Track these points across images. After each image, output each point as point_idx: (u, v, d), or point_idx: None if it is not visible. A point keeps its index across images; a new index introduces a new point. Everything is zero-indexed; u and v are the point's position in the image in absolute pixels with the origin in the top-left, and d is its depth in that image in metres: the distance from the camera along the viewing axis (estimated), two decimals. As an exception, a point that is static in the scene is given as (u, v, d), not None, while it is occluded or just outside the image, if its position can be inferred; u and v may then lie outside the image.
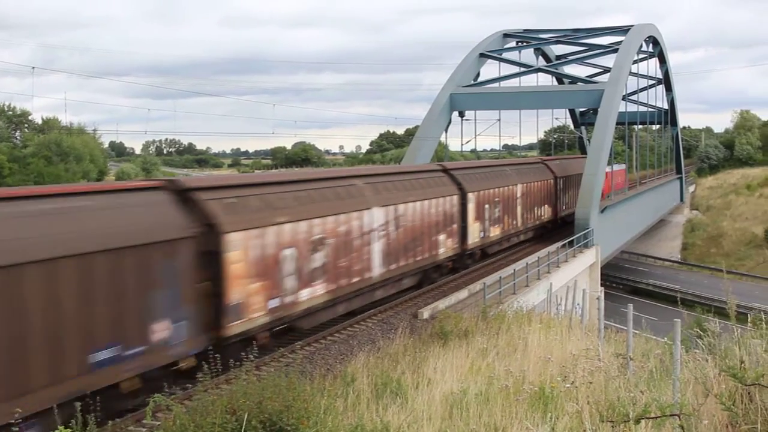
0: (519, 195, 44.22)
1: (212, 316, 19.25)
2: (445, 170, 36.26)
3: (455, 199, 34.91)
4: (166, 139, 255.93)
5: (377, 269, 27.71)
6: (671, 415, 8.12)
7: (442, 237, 33.33)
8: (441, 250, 33.33)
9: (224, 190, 21.16)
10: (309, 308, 23.52)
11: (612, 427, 8.19)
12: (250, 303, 20.57)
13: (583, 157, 61.73)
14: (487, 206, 38.67)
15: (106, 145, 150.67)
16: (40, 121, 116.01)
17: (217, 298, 19.37)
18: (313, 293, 23.59)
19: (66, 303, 15.04)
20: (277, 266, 21.83)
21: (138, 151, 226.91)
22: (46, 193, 16.40)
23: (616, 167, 64.70)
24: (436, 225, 32.75)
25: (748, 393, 8.40)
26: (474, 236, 37.11)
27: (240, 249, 20.17)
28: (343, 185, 26.82)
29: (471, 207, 36.56)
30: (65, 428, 10.00)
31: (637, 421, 8.06)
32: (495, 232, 40.16)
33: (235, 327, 19.88)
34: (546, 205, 49.83)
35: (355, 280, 26.12)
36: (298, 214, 22.98)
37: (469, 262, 37.83)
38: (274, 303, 21.63)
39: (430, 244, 32.14)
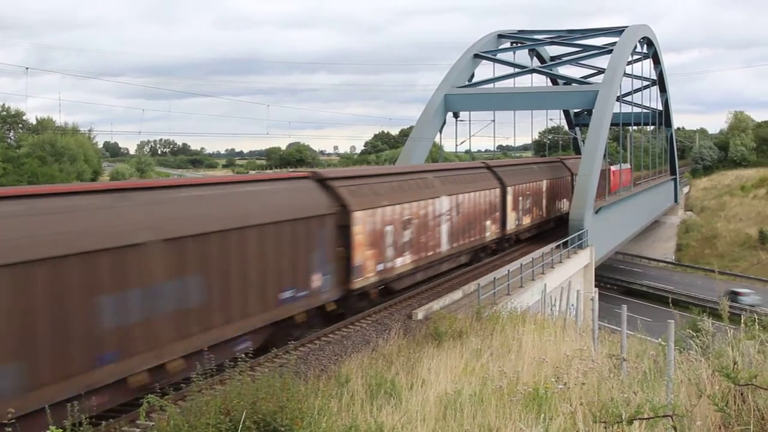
0: (544, 189, 50.58)
1: (344, 274, 26.09)
2: (488, 167, 43.17)
3: (497, 191, 41.56)
4: (161, 140, 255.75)
5: (444, 246, 34.54)
6: (664, 416, 8.13)
7: (488, 223, 40.15)
8: (487, 234, 40.16)
9: (348, 180, 27.76)
10: (400, 273, 30.38)
11: (605, 427, 8.19)
12: (366, 265, 27.44)
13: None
14: (521, 198, 45.24)
15: (100, 146, 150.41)
16: (34, 122, 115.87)
17: (347, 260, 26.12)
18: (404, 262, 30.43)
19: (267, 257, 21.54)
20: (382, 239, 28.58)
21: (132, 152, 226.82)
22: (243, 180, 24.55)
23: (623, 166, 71.50)
24: (484, 212, 39.55)
25: (741, 394, 8.42)
26: (511, 223, 43.75)
27: (360, 224, 26.92)
28: (420, 178, 33.63)
29: (509, 198, 43.21)
30: (56, 429, 9.98)
31: (630, 422, 8.07)
32: (526, 220, 46.58)
33: (357, 283, 26.82)
34: (565, 199, 55.10)
35: (430, 253, 32.93)
36: (394, 200, 29.76)
37: (506, 246, 43.89)
38: (380, 267, 28.46)
39: (480, 228, 38.92)
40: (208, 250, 19.26)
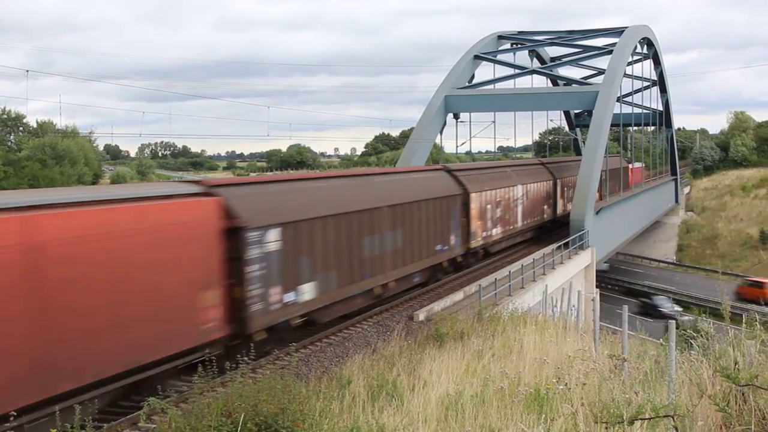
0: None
1: (465, 237, 36.88)
2: (543, 164, 56.10)
3: (551, 183, 53.10)
4: (161, 142, 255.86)
5: (519, 223, 45.82)
6: (665, 416, 8.14)
7: (545, 207, 51.67)
8: (545, 216, 51.71)
9: (466, 171, 39.87)
10: (494, 241, 41.57)
11: (606, 428, 8.20)
12: (477, 232, 38.60)
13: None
14: (565, 189, 56.21)
15: (101, 148, 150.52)
16: (34, 125, 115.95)
17: (466, 228, 36.99)
18: (496, 232, 41.69)
19: (429, 221, 32.56)
20: (486, 214, 39.76)
21: (133, 154, 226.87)
22: (409, 170, 37.94)
23: (636, 164, 79.46)
24: (542, 200, 51.00)
25: (742, 394, 8.42)
26: (560, 209, 54.98)
27: (474, 203, 37.90)
28: (502, 171, 45.43)
29: (558, 189, 54.78)
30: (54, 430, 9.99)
31: (631, 422, 8.08)
32: (567, 207, 54.43)
33: (472, 244, 37.85)
34: (545, 206, 56.99)
35: (510, 227, 44.05)
36: (492, 186, 41.05)
37: (556, 226, 53.11)
38: (485, 234, 39.76)
39: (540, 211, 50.46)
40: (404, 214, 30.13)
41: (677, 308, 62.07)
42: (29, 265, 14.53)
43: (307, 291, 23.47)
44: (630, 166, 75.03)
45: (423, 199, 32.34)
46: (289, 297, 22.48)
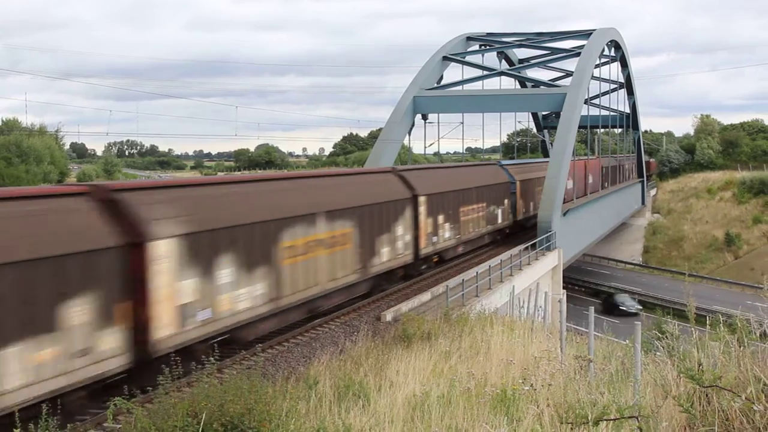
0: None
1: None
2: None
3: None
4: (128, 141, 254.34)
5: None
6: (630, 417, 8.19)
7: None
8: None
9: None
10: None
11: (571, 428, 8.23)
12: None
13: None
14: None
15: (67, 147, 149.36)
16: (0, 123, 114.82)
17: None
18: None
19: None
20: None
21: (99, 153, 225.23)
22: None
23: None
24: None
25: (706, 395, 8.48)
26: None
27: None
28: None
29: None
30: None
31: (596, 423, 8.12)
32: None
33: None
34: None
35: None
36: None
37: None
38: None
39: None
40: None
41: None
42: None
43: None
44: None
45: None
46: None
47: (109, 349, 16.87)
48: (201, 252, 19.80)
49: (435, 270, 38.05)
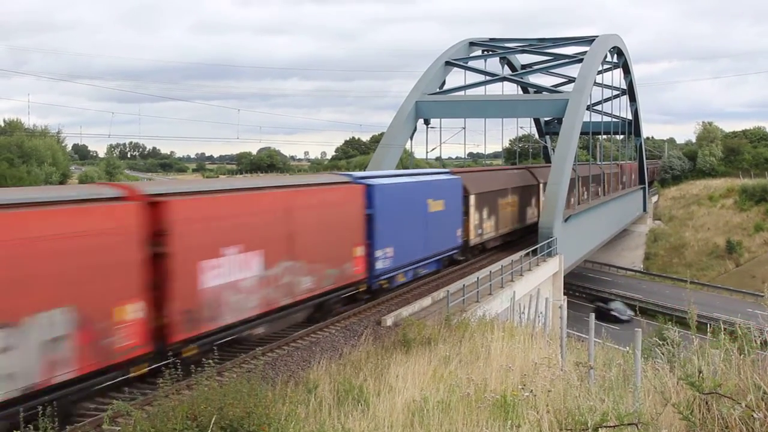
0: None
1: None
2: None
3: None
4: (130, 143, 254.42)
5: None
6: (630, 424, 8.17)
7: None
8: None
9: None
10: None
11: (571, 435, 8.23)
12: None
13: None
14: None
15: (69, 148, 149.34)
16: (2, 123, 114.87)
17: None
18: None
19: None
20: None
21: (102, 155, 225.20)
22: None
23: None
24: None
25: (706, 402, 8.47)
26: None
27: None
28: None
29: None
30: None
31: (596, 430, 8.11)
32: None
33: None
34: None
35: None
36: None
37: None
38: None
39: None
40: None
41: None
42: None
43: None
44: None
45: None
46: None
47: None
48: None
49: (444, 272, 38.78)
